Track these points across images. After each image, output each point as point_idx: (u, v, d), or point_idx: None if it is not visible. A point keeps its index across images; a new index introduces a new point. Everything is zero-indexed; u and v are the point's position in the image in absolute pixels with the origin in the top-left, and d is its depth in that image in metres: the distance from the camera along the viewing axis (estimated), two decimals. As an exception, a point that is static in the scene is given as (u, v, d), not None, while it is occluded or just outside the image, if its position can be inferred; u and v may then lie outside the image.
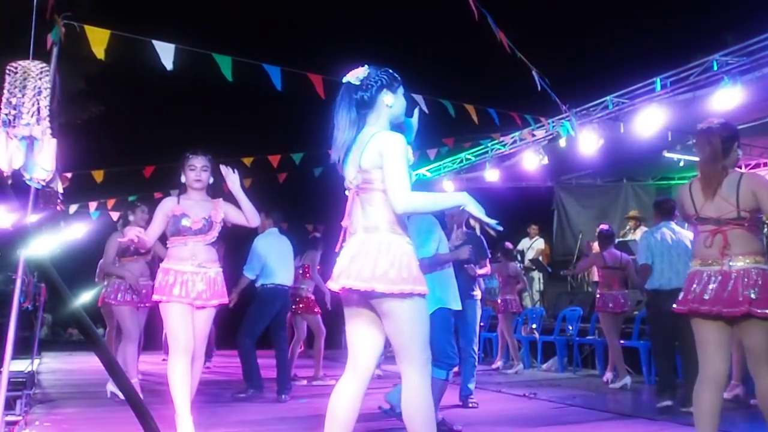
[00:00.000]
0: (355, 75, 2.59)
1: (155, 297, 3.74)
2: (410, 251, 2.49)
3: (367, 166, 2.49)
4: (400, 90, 2.65)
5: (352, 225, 2.56)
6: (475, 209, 2.53)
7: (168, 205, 3.84)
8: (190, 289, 3.70)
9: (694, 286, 3.07)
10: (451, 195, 2.53)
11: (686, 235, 5.18)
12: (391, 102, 2.60)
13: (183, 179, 3.89)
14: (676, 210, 5.28)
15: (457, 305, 4.17)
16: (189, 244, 3.77)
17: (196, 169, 3.84)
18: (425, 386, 2.46)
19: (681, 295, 3.15)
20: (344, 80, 2.61)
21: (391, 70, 2.64)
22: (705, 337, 3.07)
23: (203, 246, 3.80)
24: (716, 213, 3.05)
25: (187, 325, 3.70)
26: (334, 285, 2.52)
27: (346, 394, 2.49)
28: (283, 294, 5.94)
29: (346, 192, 2.65)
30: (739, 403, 5.38)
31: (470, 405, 5.21)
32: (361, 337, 2.55)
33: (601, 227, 7.40)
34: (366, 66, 2.61)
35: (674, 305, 3.21)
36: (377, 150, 2.47)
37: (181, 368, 3.64)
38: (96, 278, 7.45)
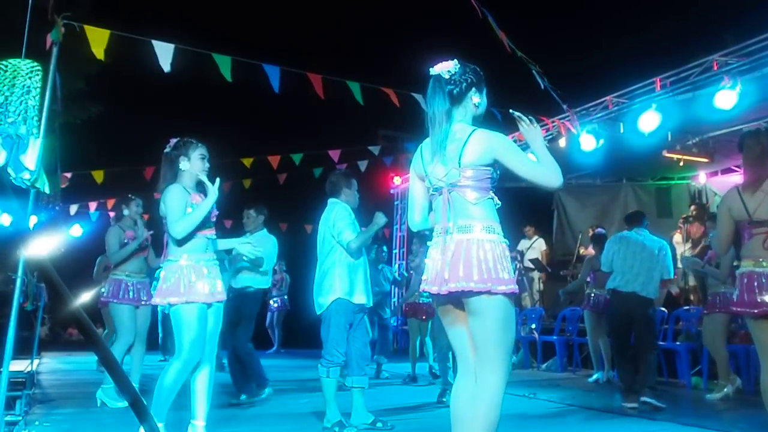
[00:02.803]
0: (446, 68, 2.54)
1: (173, 299, 3.35)
2: (505, 250, 2.46)
3: (468, 162, 2.46)
4: (485, 91, 2.63)
5: (443, 224, 2.50)
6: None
7: (185, 195, 3.45)
8: (210, 285, 3.43)
9: (753, 287, 3.16)
10: (539, 148, 2.59)
11: (655, 242, 5.29)
12: (479, 101, 2.59)
13: (183, 166, 3.51)
14: (644, 217, 5.47)
15: (360, 299, 4.16)
16: (208, 236, 3.51)
17: (206, 158, 3.58)
18: (499, 391, 2.40)
19: (736, 296, 3.26)
20: (433, 72, 2.56)
21: (478, 69, 2.61)
22: (762, 337, 3.17)
23: (213, 240, 3.59)
24: None
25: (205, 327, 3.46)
26: (436, 289, 2.45)
27: (466, 395, 2.47)
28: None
29: (432, 191, 2.58)
30: (735, 398, 5.59)
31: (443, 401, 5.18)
32: (466, 338, 2.52)
33: (597, 229, 7.67)
34: (455, 60, 2.57)
35: (732, 307, 3.36)
36: (484, 148, 2.45)
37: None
38: (94, 275, 7.43)
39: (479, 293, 2.38)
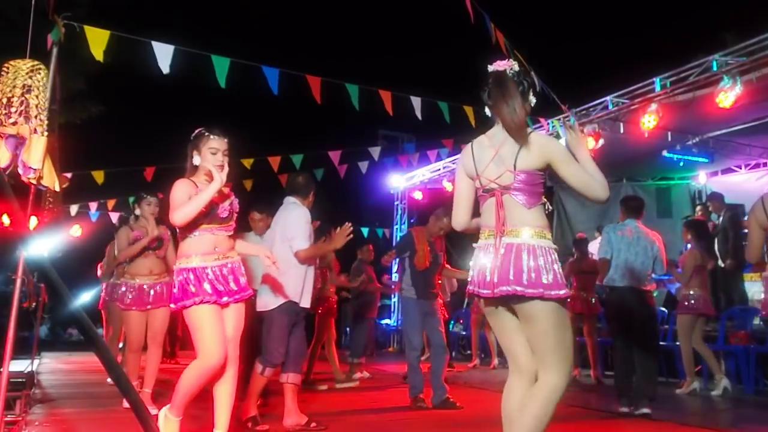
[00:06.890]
0: (510, 66, 2.52)
1: (183, 303, 3.17)
2: (555, 255, 2.43)
3: (524, 167, 2.43)
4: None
5: (493, 227, 2.46)
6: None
7: (191, 189, 3.21)
8: (218, 286, 3.22)
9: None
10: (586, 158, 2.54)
11: (649, 235, 5.08)
12: (529, 109, 2.55)
13: (196, 161, 3.27)
14: (643, 209, 5.25)
15: (306, 302, 4.22)
16: (215, 233, 3.28)
17: (218, 153, 3.25)
18: (556, 391, 2.43)
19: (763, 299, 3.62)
20: (501, 68, 2.52)
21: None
22: None
23: (226, 237, 3.33)
24: None
25: (222, 327, 3.22)
26: (486, 292, 2.43)
27: (516, 396, 2.52)
28: None
29: (483, 192, 2.54)
30: (697, 396, 5.87)
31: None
32: (516, 339, 2.53)
33: (578, 235, 8.10)
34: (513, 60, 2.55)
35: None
36: (539, 152, 2.42)
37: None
38: (101, 276, 7.39)
39: (531, 298, 2.35)
